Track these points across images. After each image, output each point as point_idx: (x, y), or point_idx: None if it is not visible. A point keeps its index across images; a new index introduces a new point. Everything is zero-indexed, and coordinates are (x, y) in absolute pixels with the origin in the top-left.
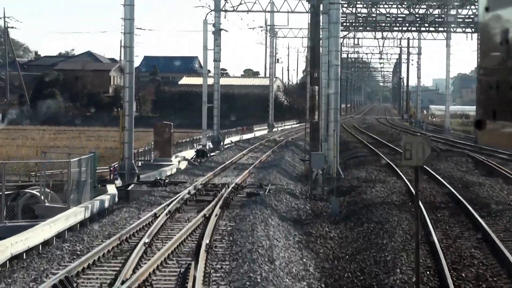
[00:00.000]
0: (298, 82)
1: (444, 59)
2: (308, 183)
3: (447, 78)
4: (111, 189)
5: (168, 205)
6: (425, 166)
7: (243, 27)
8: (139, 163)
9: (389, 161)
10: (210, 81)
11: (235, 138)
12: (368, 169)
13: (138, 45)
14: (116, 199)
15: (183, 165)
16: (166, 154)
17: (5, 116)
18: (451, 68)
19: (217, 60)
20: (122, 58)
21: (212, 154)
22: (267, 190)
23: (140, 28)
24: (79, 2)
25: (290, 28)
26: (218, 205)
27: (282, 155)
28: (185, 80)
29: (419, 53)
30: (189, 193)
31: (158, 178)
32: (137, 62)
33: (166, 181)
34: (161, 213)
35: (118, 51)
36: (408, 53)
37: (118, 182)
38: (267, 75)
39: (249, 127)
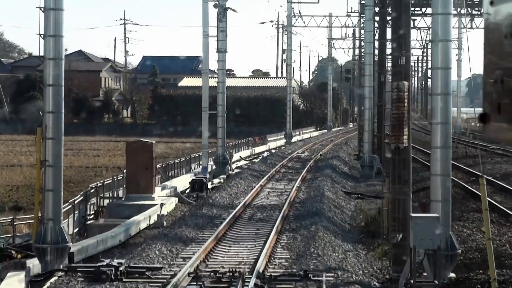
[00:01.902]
0: (310, 83)
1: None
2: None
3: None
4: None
5: None
6: None
7: (251, 22)
8: (105, 202)
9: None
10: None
11: (245, 153)
12: (474, 220)
13: (134, 43)
14: None
15: (171, 205)
16: (144, 187)
17: None
18: (463, 68)
19: (221, 50)
20: (110, 57)
21: (215, 182)
22: None
23: (136, 24)
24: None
25: (313, 16)
26: None
27: (319, 188)
28: (186, 82)
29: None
30: None
31: (106, 263)
32: (135, 62)
33: (121, 268)
34: None
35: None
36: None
37: (32, 266)
38: (279, 75)
39: (261, 137)
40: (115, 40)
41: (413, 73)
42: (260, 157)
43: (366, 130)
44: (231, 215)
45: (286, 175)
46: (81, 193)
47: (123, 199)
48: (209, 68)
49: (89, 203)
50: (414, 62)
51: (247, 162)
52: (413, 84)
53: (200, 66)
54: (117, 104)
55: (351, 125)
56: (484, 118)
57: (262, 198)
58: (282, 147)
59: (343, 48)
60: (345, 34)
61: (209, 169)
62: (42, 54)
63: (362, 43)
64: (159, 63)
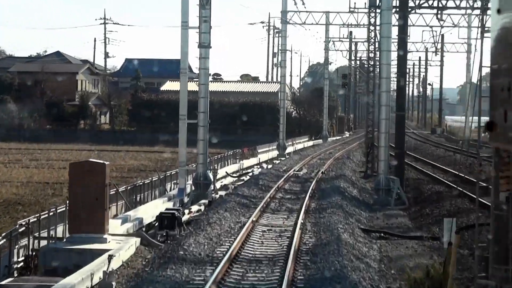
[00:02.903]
0: (300, 89)
1: (451, 67)
2: None
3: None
4: None
5: None
6: None
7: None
8: (39, 244)
9: None
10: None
11: (232, 168)
12: None
13: (115, 44)
14: None
15: (130, 249)
16: (93, 224)
17: None
18: (455, 76)
19: (204, 44)
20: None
21: (193, 211)
22: None
23: (117, 23)
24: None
25: (310, 12)
26: None
27: (330, 227)
28: (169, 86)
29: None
30: None
31: None
32: (117, 64)
33: None
34: None
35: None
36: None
37: None
38: (269, 79)
39: (251, 148)
40: (94, 40)
41: (409, 78)
42: (250, 174)
43: (382, 145)
44: (209, 283)
45: (284, 203)
46: (4, 233)
47: (64, 240)
48: (190, 70)
49: (17, 246)
50: (410, 67)
51: (235, 179)
52: (408, 90)
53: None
54: (94, 109)
55: (347, 134)
56: (491, 126)
57: (254, 243)
58: (275, 161)
59: (341, 51)
60: (343, 35)
61: (188, 190)
62: None
63: (356, 45)
64: (143, 66)
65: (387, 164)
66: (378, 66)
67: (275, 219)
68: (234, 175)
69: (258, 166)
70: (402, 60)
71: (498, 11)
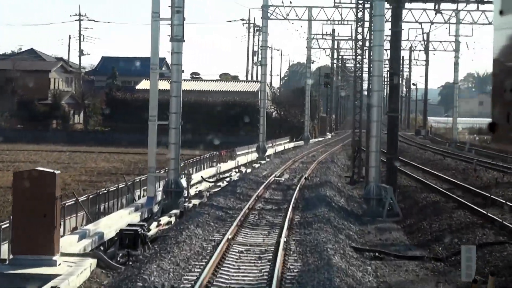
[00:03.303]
0: (280, 89)
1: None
2: None
3: (456, 80)
4: None
5: None
6: None
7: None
8: None
9: None
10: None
11: (208, 172)
12: None
13: (90, 41)
14: None
15: (83, 274)
16: (41, 244)
17: None
18: (436, 77)
19: (177, 38)
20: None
21: (162, 223)
22: None
23: (93, 20)
24: None
25: (293, 6)
26: None
27: (318, 248)
28: (145, 84)
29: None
30: None
31: None
32: (95, 63)
33: None
34: None
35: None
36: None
37: None
38: (249, 79)
39: (229, 151)
40: (69, 38)
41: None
42: (228, 179)
43: (373, 150)
44: None
45: (265, 215)
46: None
47: (7, 263)
48: (168, 67)
49: None
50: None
51: (211, 184)
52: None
53: (164, 68)
54: (67, 109)
55: (329, 135)
56: (493, 127)
57: (229, 269)
58: (255, 164)
59: (324, 49)
60: (326, 32)
61: (159, 198)
62: None
63: (339, 44)
64: (119, 65)
65: (378, 171)
66: (367, 64)
67: (255, 235)
68: (211, 180)
69: (237, 170)
70: (395, 57)
71: (501, 13)
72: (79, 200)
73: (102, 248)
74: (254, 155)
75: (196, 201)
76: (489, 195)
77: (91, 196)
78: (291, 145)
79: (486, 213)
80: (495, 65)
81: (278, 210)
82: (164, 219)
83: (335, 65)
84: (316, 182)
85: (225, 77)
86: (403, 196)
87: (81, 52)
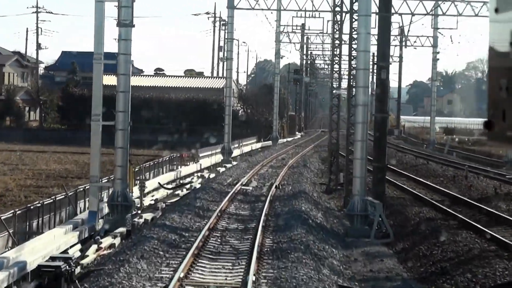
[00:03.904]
0: (247, 86)
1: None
2: None
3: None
4: None
5: None
6: None
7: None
8: None
9: None
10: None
11: (167, 176)
12: None
13: (48, 35)
14: None
15: None
16: None
17: None
18: (405, 75)
19: (125, 22)
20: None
21: (104, 245)
22: None
23: (50, 12)
24: None
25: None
26: None
27: None
28: (105, 80)
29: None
30: None
31: None
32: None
33: None
34: None
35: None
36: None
37: None
38: (215, 74)
39: (191, 153)
40: (26, 31)
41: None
42: (188, 186)
43: (358, 157)
44: None
45: (229, 239)
46: None
47: None
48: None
49: None
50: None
51: (170, 191)
52: None
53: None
54: (21, 105)
55: (298, 135)
56: (489, 125)
57: None
58: (219, 168)
59: (294, 43)
60: (297, 26)
61: (104, 213)
62: None
63: (309, 39)
64: (80, 60)
65: (364, 183)
66: (347, 59)
67: (215, 270)
68: (169, 186)
69: (199, 175)
70: (383, 46)
71: (496, 10)
72: (1, 218)
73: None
74: (219, 157)
75: (149, 215)
76: (493, 211)
77: (18, 212)
78: (259, 145)
79: (501, 238)
80: (491, 63)
81: (245, 231)
82: (107, 241)
83: (304, 61)
84: (288, 192)
85: (190, 73)
86: (391, 211)
87: (38, 46)
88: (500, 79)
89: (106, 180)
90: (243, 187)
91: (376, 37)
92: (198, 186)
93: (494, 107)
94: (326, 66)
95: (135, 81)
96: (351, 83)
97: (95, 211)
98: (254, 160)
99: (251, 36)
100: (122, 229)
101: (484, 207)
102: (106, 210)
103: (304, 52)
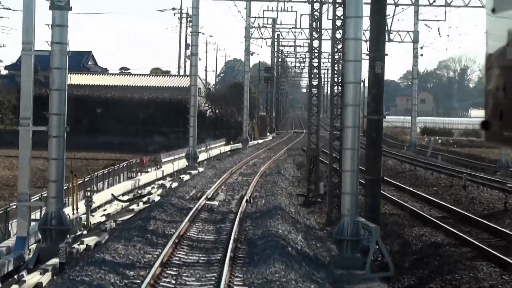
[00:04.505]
0: (216, 86)
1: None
2: None
3: (414, 75)
4: None
5: None
6: None
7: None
8: None
9: None
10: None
11: (124, 186)
12: None
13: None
14: None
15: None
16: None
17: None
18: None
19: (59, 5)
20: None
21: None
22: None
23: (8, 8)
24: None
25: None
26: None
27: None
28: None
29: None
30: None
31: None
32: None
33: None
34: None
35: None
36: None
37: None
38: (182, 73)
39: (152, 158)
40: None
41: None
42: (147, 198)
43: (347, 169)
44: None
45: (185, 279)
46: None
47: None
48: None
49: None
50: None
51: (125, 203)
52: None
53: (90, 63)
54: None
55: (270, 136)
56: (486, 126)
57: None
58: (183, 175)
59: (265, 38)
60: (268, 21)
61: (33, 240)
62: None
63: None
64: (43, 59)
65: (356, 201)
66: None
67: None
68: (124, 198)
69: (161, 183)
70: (378, 32)
71: (493, 10)
72: None
73: None
74: (184, 163)
75: (92, 240)
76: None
77: None
78: (228, 148)
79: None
80: (488, 63)
81: (207, 265)
82: (32, 278)
83: (275, 58)
84: (261, 208)
85: (155, 72)
86: (385, 232)
87: None
88: (498, 79)
89: (37, 198)
90: (208, 202)
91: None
92: (157, 198)
93: (491, 108)
94: (298, 64)
95: (96, 80)
96: (335, 80)
97: (24, 236)
98: (223, 167)
99: (220, 34)
100: (55, 260)
101: (500, 228)
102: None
103: (275, 49)
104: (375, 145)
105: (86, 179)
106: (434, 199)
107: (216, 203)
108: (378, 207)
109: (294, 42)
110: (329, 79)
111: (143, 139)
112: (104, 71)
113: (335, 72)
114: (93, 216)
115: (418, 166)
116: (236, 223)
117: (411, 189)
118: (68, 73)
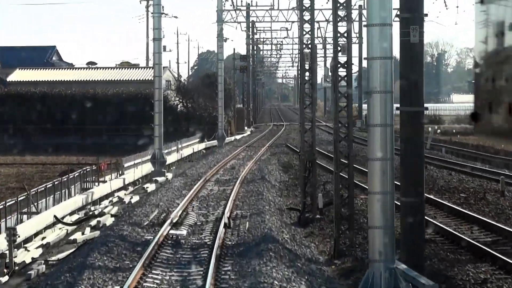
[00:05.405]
0: (189, 79)
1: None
2: None
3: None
4: None
5: None
6: None
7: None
8: None
9: None
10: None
11: (73, 203)
12: None
13: None
14: None
15: None
16: None
17: None
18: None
19: None
20: None
21: None
22: None
23: None
24: None
25: None
26: None
27: None
28: (19, 75)
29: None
30: None
31: None
32: None
33: None
34: None
35: None
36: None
37: None
38: (150, 65)
39: (116, 162)
40: None
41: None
42: (97, 219)
43: (377, 191)
44: None
45: None
46: None
47: None
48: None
49: None
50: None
51: (73, 227)
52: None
53: (54, 58)
54: None
55: (248, 131)
56: (476, 117)
57: None
58: (147, 185)
59: (239, 22)
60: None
61: None
62: None
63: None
64: (2, 55)
65: (391, 239)
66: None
67: None
68: (70, 222)
69: (119, 197)
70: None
71: (481, 1)
72: None
73: None
74: (149, 167)
75: None
76: None
77: None
78: (202, 146)
79: None
80: (477, 56)
81: None
82: None
83: (251, 45)
84: (245, 237)
85: (124, 64)
86: (426, 273)
87: None
88: (486, 72)
89: None
90: (172, 231)
91: None
92: (109, 221)
93: (481, 99)
94: (275, 53)
95: (58, 75)
96: (337, 56)
97: None
98: (194, 173)
99: (193, 25)
100: None
101: None
102: None
103: (251, 35)
104: (415, 150)
105: (20, 198)
106: (470, 212)
107: (184, 232)
108: (422, 244)
109: (271, 26)
110: (324, 59)
111: (110, 138)
112: (69, 67)
113: (338, 44)
114: (26, 248)
115: (427, 164)
116: (211, 268)
117: (431, 196)
118: (22, 69)
